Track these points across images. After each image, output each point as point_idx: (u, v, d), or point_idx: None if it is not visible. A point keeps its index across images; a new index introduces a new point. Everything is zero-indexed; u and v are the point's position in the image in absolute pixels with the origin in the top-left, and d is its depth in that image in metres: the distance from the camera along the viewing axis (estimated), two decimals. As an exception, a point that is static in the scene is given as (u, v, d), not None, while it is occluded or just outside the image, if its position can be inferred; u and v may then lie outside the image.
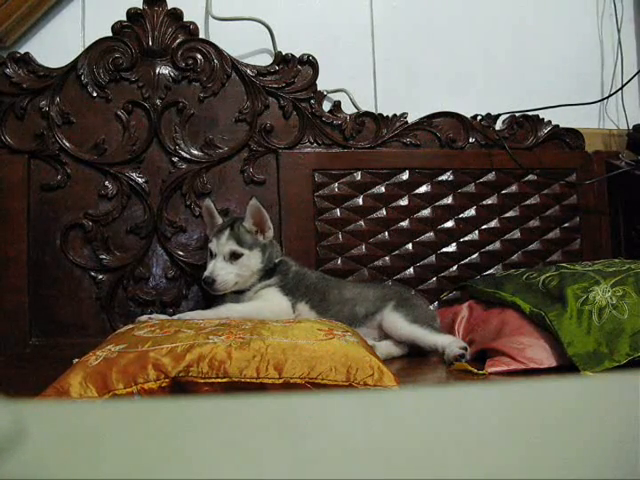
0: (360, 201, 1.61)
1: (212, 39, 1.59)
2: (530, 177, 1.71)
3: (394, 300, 1.36)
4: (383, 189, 1.63)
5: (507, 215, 1.70)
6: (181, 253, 1.52)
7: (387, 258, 1.62)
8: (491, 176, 1.69)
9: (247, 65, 1.57)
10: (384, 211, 1.63)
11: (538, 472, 0.34)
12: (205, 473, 0.31)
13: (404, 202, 1.64)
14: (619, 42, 1.89)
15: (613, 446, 0.36)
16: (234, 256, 1.33)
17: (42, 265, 1.47)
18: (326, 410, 0.38)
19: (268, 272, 1.38)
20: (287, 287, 1.37)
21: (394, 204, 1.63)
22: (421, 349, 1.30)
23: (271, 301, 1.34)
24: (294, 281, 1.39)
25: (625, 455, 0.35)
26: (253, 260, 1.35)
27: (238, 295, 1.37)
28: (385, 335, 1.35)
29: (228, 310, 1.27)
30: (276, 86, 1.58)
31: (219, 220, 1.42)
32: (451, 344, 1.24)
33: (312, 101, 1.59)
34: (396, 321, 1.31)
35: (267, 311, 1.30)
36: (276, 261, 1.41)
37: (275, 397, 0.40)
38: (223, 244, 1.34)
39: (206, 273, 1.33)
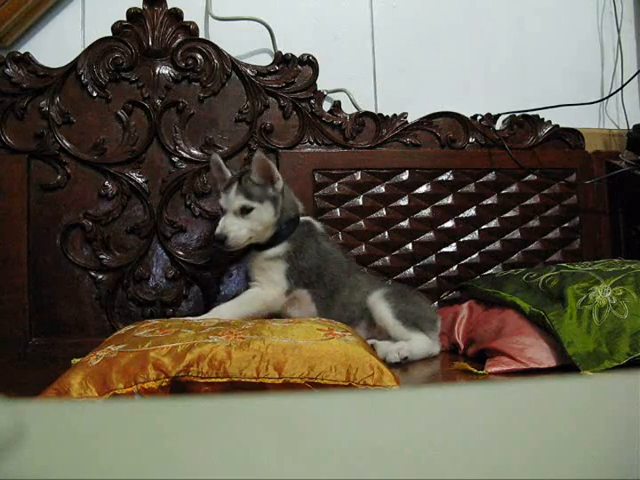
0: (360, 201, 1.61)
1: (212, 39, 1.59)
2: (530, 177, 1.71)
3: (389, 292, 1.33)
4: (383, 189, 1.63)
5: (507, 215, 1.70)
6: (181, 253, 1.52)
7: (387, 258, 1.62)
8: (491, 176, 1.69)
9: (247, 65, 1.57)
10: (384, 211, 1.63)
11: (538, 472, 0.34)
12: (205, 473, 0.31)
13: (404, 202, 1.64)
14: (619, 42, 1.89)
15: (613, 446, 0.36)
16: (244, 210, 1.28)
17: (42, 265, 1.47)
18: (326, 410, 0.38)
19: (286, 229, 1.32)
20: (296, 267, 1.30)
21: (394, 204, 1.63)
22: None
23: (265, 289, 1.29)
24: (309, 263, 1.32)
25: (625, 455, 0.35)
26: (265, 213, 1.29)
27: (245, 264, 1.35)
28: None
29: (216, 314, 1.24)
30: (276, 86, 1.58)
31: (228, 174, 1.36)
32: (392, 352, 1.22)
33: (312, 101, 1.59)
34: (381, 310, 1.29)
35: (258, 303, 1.27)
36: (293, 216, 1.34)
37: (275, 397, 0.40)
38: (232, 199, 1.28)
39: (217, 231, 1.27)
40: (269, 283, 1.30)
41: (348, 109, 1.66)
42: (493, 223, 1.69)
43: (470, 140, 1.69)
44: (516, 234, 1.70)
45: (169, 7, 1.54)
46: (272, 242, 1.33)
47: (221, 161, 1.38)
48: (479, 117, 1.70)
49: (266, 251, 1.32)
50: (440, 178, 1.66)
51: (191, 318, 1.20)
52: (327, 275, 1.34)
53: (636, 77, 1.86)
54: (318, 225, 1.42)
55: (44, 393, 0.91)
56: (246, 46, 1.66)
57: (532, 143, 1.72)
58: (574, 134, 1.75)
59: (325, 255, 1.35)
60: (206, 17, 1.65)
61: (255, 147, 1.56)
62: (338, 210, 1.60)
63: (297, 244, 1.33)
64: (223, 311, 1.25)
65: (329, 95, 1.65)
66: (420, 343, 1.28)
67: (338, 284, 1.34)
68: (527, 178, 1.71)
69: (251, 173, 1.30)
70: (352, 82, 1.71)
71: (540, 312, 1.19)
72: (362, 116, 1.64)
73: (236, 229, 1.27)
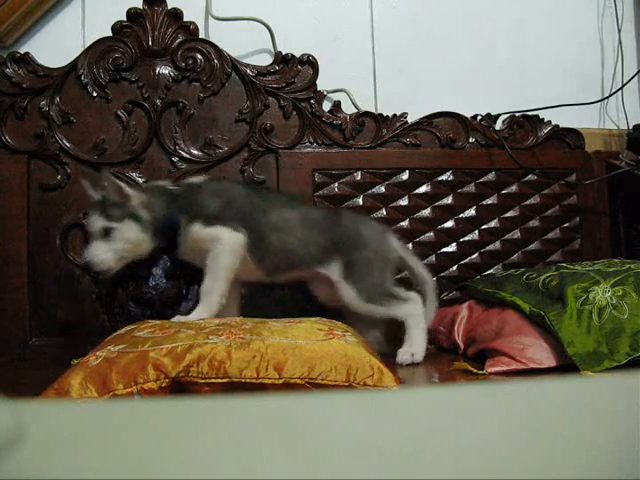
0: (360, 201, 1.61)
1: (212, 39, 1.59)
2: (530, 177, 1.71)
3: (343, 264, 1.30)
4: (383, 189, 1.63)
5: (507, 215, 1.70)
6: (181, 253, 1.52)
7: (387, 258, 1.62)
8: (491, 176, 1.69)
9: (247, 65, 1.57)
10: (384, 211, 1.62)
11: (538, 472, 0.34)
12: (205, 473, 0.31)
13: (404, 202, 1.64)
14: (619, 42, 1.89)
15: (613, 446, 0.36)
16: (106, 232, 1.23)
17: (42, 265, 1.47)
18: (326, 410, 0.38)
19: (167, 226, 1.27)
20: (214, 215, 1.25)
21: (394, 204, 1.63)
22: None
23: (220, 249, 1.24)
24: (214, 207, 1.26)
25: (625, 455, 0.35)
26: (128, 231, 1.24)
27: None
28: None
29: (203, 293, 1.24)
30: (276, 86, 1.58)
31: (95, 197, 1.30)
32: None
33: (312, 101, 1.59)
34: (348, 296, 1.29)
35: (219, 263, 1.23)
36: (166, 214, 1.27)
37: (275, 397, 0.40)
38: (93, 222, 1.25)
39: (83, 258, 1.25)
40: (219, 246, 1.25)
41: (348, 109, 1.66)
42: (493, 223, 1.69)
43: (470, 140, 1.69)
44: (516, 234, 1.70)
45: (169, 7, 1.54)
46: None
47: (88, 184, 1.30)
48: (479, 117, 1.70)
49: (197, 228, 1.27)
50: (440, 178, 1.66)
51: (184, 317, 1.21)
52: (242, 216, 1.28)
53: (636, 77, 1.86)
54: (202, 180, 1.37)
55: (44, 393, 0.91)
56: (246, 46, 1.66)
57: (532, 143, 1.72)
58: (574, 134, 1.75)
59: (227, 187, 1.34)
60: (206, 17, 1.65)
61: (255, 147, 1.56)
62: (338, 210, 1.60)
63: (198, 205, 1.28)
64: (207, 286, 1.24)
65: (329, 95, 1.65)
66: (418, 338, 1.29)
67: (256, 226, 1.29)
68: (527, 178, 1.71)
69: (108, 193, 1.25)
70: (352, 82, 1.71)
71: (540, 312, 1.19)
72: (362, 116, 1.64)
73: (101, 253, 1.23)
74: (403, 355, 1.26)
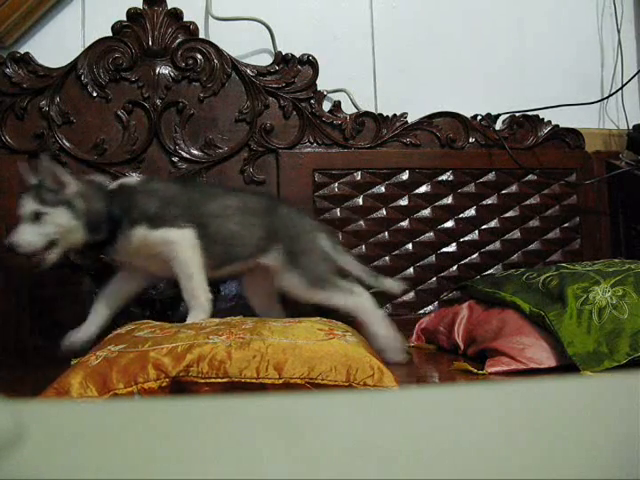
0: (360, 201, 1.61)
1: (212, 39, 1.59)
2: (530, 177, 1.71)
3: (285, 250, 1.29)
4: (383, 189, 1.63)
5: (507, 215, 1.70)
6: (181, 253, 1.52)
7: (387, 258, 1.62)
8: (491, 176, 1.69)
9: (247, 65, 1.57)
10: (384, 211, 1.63)
11: (538, 472, 0.34)
12: (205, 473, 0.31)
13: (404, 202, 1.64)
14: (619, 42, 1.89)
15: (613, 446, 0.36)
16: (37, 216, 1.21)
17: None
18: (326, 410, 0.38)
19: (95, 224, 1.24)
20: (161, 216, 1.24)
21: (394, 204, 1.63)
22: None
23: (177, 251, 1.23)
24: (159, 203, 1.25)
25: (625, 455, 0.35)
26: (59, 218, 1.21)
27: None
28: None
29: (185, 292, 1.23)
30: (276, 86, 1.58)
31: (32, 180, 1.28)
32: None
33: (312, 101, 1.59)
34: (291, 282, 1.27)
35: (184, 263, 1.22)
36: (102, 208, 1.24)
37: (275, 397, 0.40)
38: (25, 205, 1.22)
39: (8, 238, 1.21)
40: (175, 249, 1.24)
41: (348, 109, 1.66)
42: (493, 223, 1.69)
43: (470, 140, 1.69)
44: (516, 234, 1.70)
45: (169, 7, 1.54)
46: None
47: (27, 167, 1.30)
48: (479, 117, 1.70)
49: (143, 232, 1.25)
50: (440, 178, 1.66)
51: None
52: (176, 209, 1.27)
53: (636, 77, 1.86)
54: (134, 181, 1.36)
55: (44, 393, 0.91)
56: (246, 46, 1.66)
57: (532, 143, 1.72)
58: (574, 134, 1.75)
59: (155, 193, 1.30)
60: (206, 17, 1.65)
61: (255, 147, 1.56)
62: (338, 210, 1.60)
63: (140, 207, 1.26)
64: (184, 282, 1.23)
65: (329, 95, 1.65)
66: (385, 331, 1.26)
67: (197, 221, 1.27)
68: (527, 178, 1.71)
69: (44, 179, 1.24)
70: (352, 82, 1.71)
71: (540, 312, 1.19)
72: (362, 116, 1.64)
73: (28, 236, 1.20)
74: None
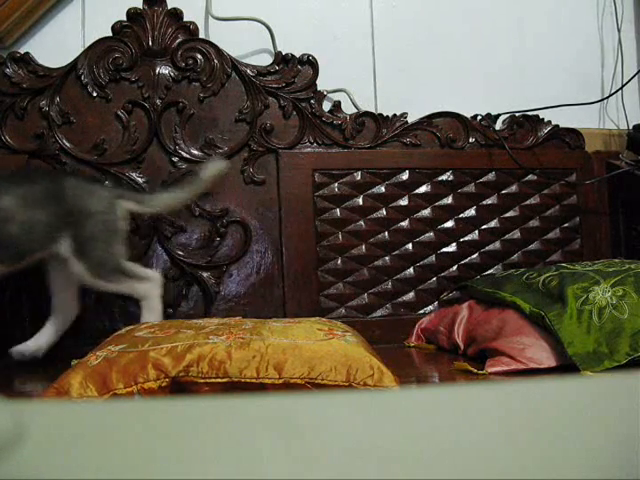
0: (360, 201, 1.61)
1: (212, 39, 1.59)
2: (530, 177, 1.71)
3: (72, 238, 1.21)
4: (383, 189, 1.63)
5: (507, 215, 1.70)
6: (181, 253, 1.52)
7: (387, 258, 1.62)
8: (491, 176, 1.69)
9: (247, 65, 1.57)
10: (384, 211, 1.62)
11: (538, 472, 0.34)
12: (205, 473, 0.31)
13: (404, 202, 1.64)
14: (619, 42, 1.89)
15: (613, 446, 0.36)
16: None
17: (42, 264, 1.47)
18: (326, 410, 0.38)
19: None
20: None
21: (394, 204, 1.63)
22: None
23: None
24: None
25: (625, 455, 0.35)
26: None
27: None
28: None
29: None
30: (276, 86, 1.58)
31: None
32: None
33: (312, 101, 1.59)
34: (78, 272, 1.22)
35: None
36: None
37: (275, 397, 0.40)
38: None
39: None
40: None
41: (348, 109, 1.66)
42: (493, 223, 1.69)
43: (470, 140, 1.69)
44: (516, 234, 1.70)
45: (169, 7, 1.54)
46: None
47: None
48: (479, 117, 1.70)
49: None
50: (440, 178, 1.66)
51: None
52: None
53: (636, 77, 1.86)
54: None
55: (44, 393, 0.91)
56: (246, 46, 1.66)
57: (532, 143, 1.72)
58: (574, 134, 1.75)
59: None
60: (206, 17, 1.65)
61: (255, 147, 1.56)
62: (338, 210, 1.60)
63: None
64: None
65: (329, 95, 1.65)
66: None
67: None
68: (527, 178, 1.71)
69: None
70: (352, 82, 1.71)
71: (540, 312, 1.19)
72: (362, 116, 1.64)
73: None
74: None
